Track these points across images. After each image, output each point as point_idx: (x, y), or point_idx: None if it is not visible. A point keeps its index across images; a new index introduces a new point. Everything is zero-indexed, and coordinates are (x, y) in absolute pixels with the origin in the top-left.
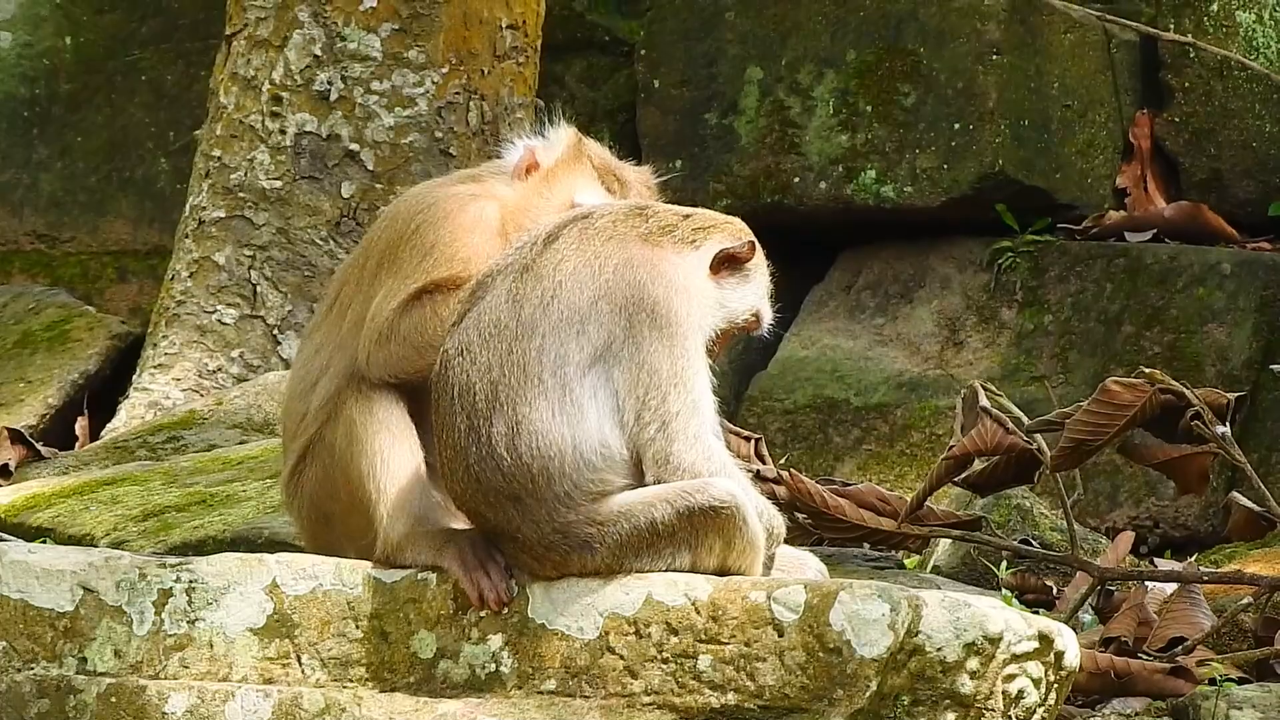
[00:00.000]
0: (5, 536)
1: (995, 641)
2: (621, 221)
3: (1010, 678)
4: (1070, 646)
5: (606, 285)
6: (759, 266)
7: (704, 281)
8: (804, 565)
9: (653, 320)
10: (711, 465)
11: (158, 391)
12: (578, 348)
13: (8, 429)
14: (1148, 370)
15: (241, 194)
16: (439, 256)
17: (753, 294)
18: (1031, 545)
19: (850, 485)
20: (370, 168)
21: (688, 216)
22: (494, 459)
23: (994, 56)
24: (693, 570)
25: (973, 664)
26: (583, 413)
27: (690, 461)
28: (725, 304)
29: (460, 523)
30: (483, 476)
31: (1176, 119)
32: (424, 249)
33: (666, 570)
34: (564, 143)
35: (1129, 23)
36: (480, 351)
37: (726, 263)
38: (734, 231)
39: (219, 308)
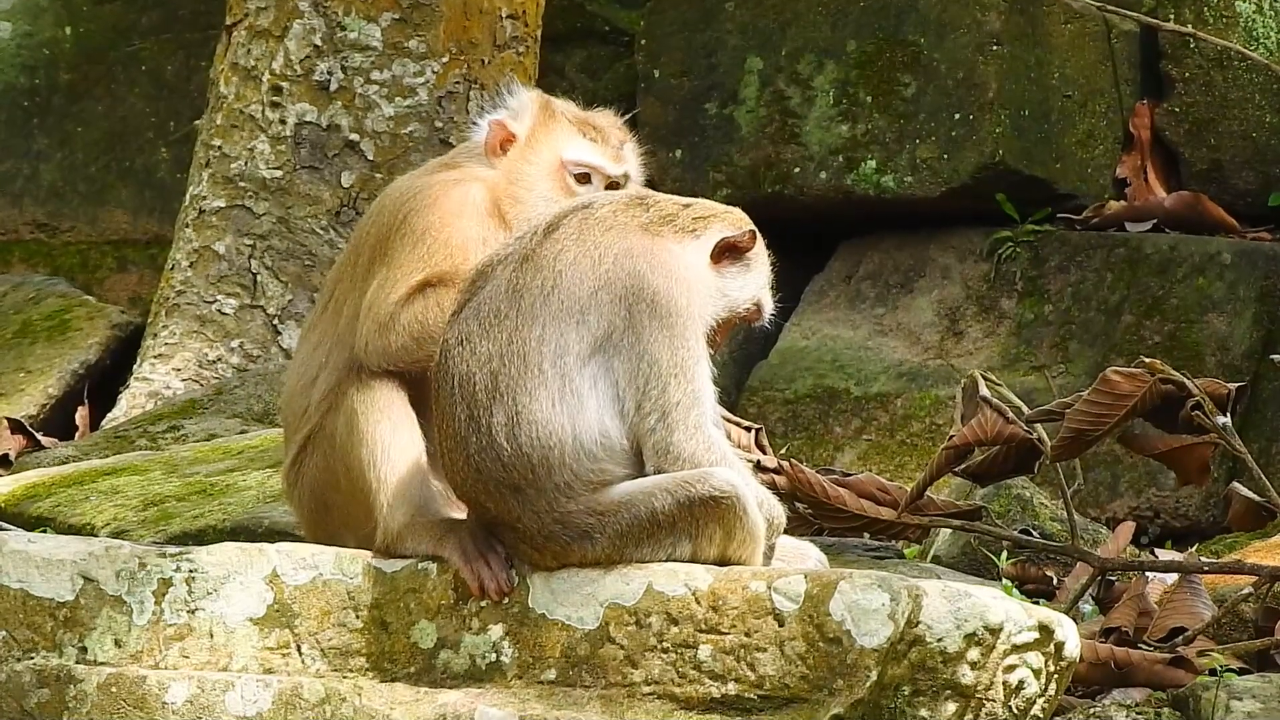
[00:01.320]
0: (5, 526)
1: (996, 632)
2: (622, 211)
3: (1011, 668)
4: (1070, 637)
5: (607, 275)
6: (759, 256)
7: (704, 271)
8: (804, 555)
9: (653, 310)
10: (712, 455)
11: (158, 381)
12: (578, 338)
13: (8, 419)
14: (1148, 360)
15: (242, 183)
16: (431, 243)
17: (753, 284)
18: (1032, 535)
19: (850, 475)
20: (370, 157)
21: (688, 206)
22: (494, 449)
23: (994, 47)
24: (693, 560)
25: (973, 654)
26: (583, 403)
27: (690, 451)
28: (726, 293)
29: (460, 512)
30: (483, 466)
31: (1177, 109)
32: (415, 237)
33: (667, 560)
34: (533, 106)
35: (1129, 13)
36: (480, 341)
37: (727, 252)
38: (734, 221)
39: (219, 297)
